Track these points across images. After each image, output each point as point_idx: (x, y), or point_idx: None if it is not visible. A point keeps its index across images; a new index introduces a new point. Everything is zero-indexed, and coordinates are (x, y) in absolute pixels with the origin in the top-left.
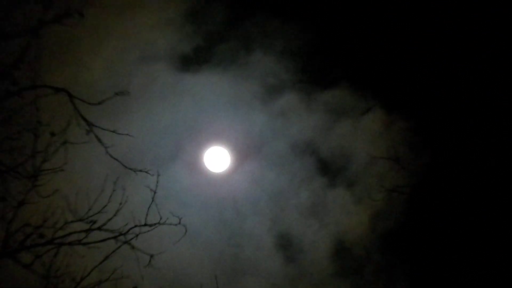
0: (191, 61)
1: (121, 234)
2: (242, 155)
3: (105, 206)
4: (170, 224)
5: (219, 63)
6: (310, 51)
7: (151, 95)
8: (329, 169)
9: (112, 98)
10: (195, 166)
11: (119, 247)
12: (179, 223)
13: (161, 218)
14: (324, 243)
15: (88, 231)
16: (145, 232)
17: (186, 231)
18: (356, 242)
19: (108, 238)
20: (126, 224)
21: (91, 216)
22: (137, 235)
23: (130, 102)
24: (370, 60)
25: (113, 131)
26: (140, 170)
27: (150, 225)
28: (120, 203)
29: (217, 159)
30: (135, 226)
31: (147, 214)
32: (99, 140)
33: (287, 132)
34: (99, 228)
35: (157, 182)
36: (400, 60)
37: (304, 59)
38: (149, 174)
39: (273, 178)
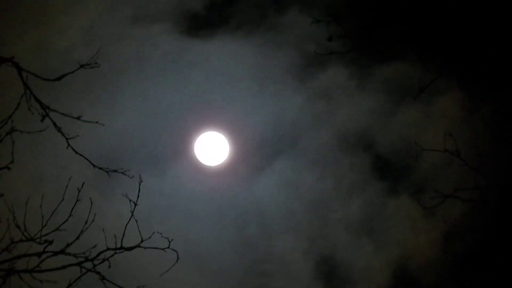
0: (202, 23)
1: (87, 260)
2: (269, 149)
3: (66, 221)
4: (156, 248)
5: (239, 26)
6: (363, 9)
7: (146, 70)
8: (389, 169)
9: (75, 72)
10: (202, 165)
11: (83, 275)
12: (169, 246)
13: (142, 240)
14: (381, 270)
15: (42, 254)
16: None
17: (178, 258)
18: (424, 269)
19: (69, 265)
20: (95, 246)
21: (46, 234)
22: (107, 262)
23: (117, 81)
24: (446, 22)
25: (77, 118)
26: (115, 171)
27: (128, 249)
28: (86, 222)
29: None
30: (107, 249)
31: (123, 234)
32: (58, 128)
33: (332, 120)
34: (56, 252)
35: (139, 191)
36: (486, 19)
37: (355, 20)
38: (126, 175)
39: (312, 182)
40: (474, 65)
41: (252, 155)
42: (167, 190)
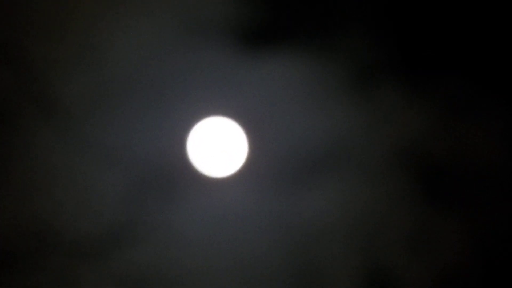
0: (255, 38)
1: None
2: (319, 164)
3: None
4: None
5: (294, 39)
6: (422, 26)
7: (196, 81)
8: (442, 186)
9: None
10: (254, 180)
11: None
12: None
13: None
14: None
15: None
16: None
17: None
18: (465, 278)
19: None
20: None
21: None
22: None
23: (171, 93)
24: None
25: None
26: None
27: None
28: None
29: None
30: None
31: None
32: None
33: (384, 135)
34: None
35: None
36: None
37: (412, 36)
38: None
39: (363, 198)
40: None
41: (301, 169)
42: (217, 206)
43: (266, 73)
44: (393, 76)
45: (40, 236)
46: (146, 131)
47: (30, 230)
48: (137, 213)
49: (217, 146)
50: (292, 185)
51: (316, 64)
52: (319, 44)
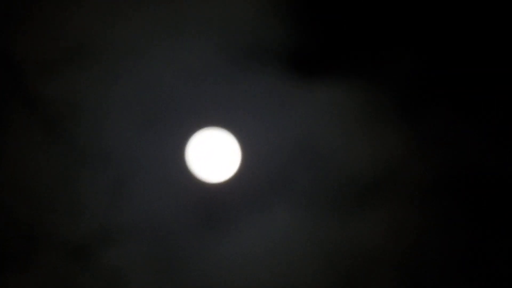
0: (303, 63)
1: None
2: (365, 188)
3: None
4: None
5: (347, 66)
6: (471, 51)
7: (247, 109)
8: (488, 211)
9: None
10: (297, 204)
11: None
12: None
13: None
14: None
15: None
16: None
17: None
18: None
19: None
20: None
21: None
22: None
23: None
24: None
25: None
26: None
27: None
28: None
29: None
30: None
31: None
32: None
33: (431, 159)
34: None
35: None
36: None
37: (460, 62)
38: None
39: (409, 222)
40: None
41: (347, 194)
42: (267, 232)
43: (313, 96)
44: (441, 102)
45: (31, 236)
46: (144, 137)
47: (21, 230)
48: (129, 213)
49: (214, 154)
50: (347, 210)
51: (362, 90)
52: (366, 71)
